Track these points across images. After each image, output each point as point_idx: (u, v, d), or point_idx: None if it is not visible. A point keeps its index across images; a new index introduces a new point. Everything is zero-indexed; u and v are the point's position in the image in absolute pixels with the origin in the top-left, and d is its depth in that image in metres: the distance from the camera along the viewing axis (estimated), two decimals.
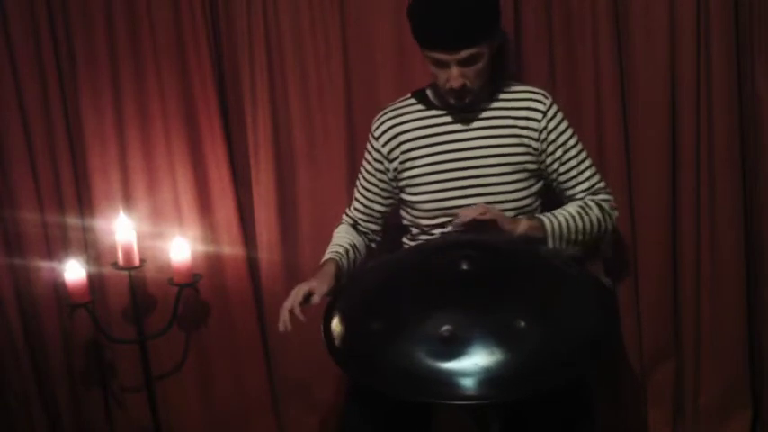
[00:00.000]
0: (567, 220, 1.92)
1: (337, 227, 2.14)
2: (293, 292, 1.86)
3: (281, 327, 1.85)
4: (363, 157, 2.11)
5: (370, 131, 2.07)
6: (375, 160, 2.06)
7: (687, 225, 2.26)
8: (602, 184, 2.03)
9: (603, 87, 2.21)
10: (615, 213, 2.02)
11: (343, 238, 2.07)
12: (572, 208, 1.96)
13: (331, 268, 1.93)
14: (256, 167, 2.38)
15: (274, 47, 2.30)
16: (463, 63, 1.85)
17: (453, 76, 1.86)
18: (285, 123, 2.36)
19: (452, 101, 1.93)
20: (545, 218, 1.92)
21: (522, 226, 1.87)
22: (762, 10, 2.11)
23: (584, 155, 2.02)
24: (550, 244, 1.88)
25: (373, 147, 2.06)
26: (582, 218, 1.94)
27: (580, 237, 1.93)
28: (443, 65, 1.87)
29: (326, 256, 2.00)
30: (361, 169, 2.11)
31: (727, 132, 2.19)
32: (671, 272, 2.32)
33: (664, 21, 2.16)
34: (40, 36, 2.32)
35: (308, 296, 1.84)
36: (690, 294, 2.31)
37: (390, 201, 2.09)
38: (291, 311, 1.83)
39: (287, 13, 2.28)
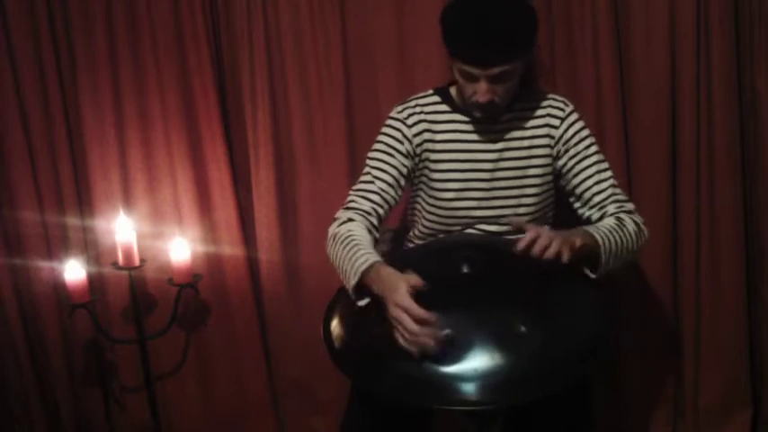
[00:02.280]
0: (611, 232, 1.79)
1: (345, 222, 1.85)
2: (399, 302, 1.54)
3: (428, 346, 1.52)
4: (379, 141, 1.95)
5: (398, 119, 1.93)
6: (407, 151, 1.91)
7: (687, 225, 2.26)
8: (631, 205, 1.92)
9: (603, 87, 2.20)
10: (646, 233, 1.90)
11: (366, 238, 1.79)
12: (609, 222, 1.84)
13: (390, 270, 1.64)
14: (256, 167, 2.38)
15: (274, 47, 2.30)
16: (494, 79, 1.78)
17: (482, 92, 1.79)
18: (285, 123, 2.35)
19: (477, 113, 1.87)
20: (596, 233, 1.76)
21: (578, 243, 1.69)
22: (762, 10, 2.11)
23: (604, 167, 1.92)
24: (603, 259, 1.74)
25: (404, 134, 1.91)
26: (622, 231, 1.81)
27: (622, 252, 1.80)
28: (472, 78, 1.80)
29: (365, 255, 1.70)
30: (380, 155, 1.92)
31: (727, 132, 2.19)
32: (671, 271, 2.32)
33: (664, 21, 2.16)
34: (39, 36, 2.32)
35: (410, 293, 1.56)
36: (690, 294, 2.31)
37: (400, 193, 1.94)
38: (419, 321, 1.52)
39: (287, 13, 2.28)
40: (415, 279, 1.57)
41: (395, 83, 2.28)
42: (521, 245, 1.63)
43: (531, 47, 1.84)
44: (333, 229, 1.85)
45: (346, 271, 1.72)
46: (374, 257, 1.69)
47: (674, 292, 2.34)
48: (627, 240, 1.82)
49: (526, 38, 1.80)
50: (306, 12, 2.27)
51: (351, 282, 1.70)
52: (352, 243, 1.75)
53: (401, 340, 1.54)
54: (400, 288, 1.57)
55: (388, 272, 1.63)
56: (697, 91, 2.18)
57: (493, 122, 1.92)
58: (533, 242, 1.63)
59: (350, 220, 1.85)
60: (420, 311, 1.52)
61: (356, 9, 2.27)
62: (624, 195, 1.95)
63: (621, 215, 1.88)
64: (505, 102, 1.86)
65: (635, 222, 1.88)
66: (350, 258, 1.72)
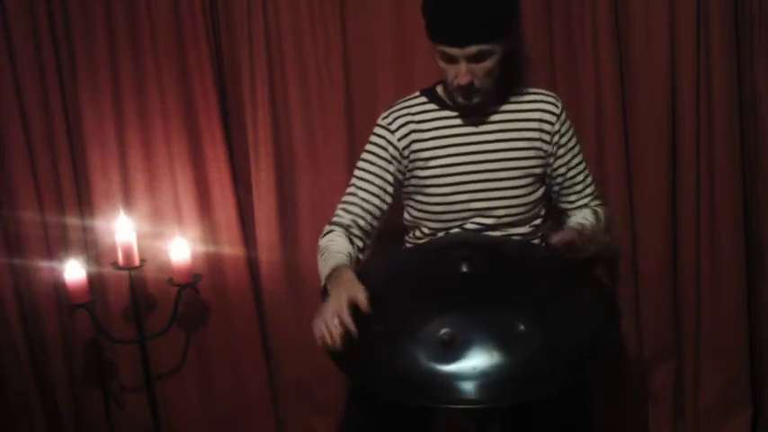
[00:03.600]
0: (593, 227, 1.90)
1: (326, 234, 1.97)
2: (333, 306, 1.64)
3: (330, 342, 1.61)
4: (364, 151, 2.01)
5: (382, 125, 1.99)
6: (391, 156, 1.97)
7: (687, 225, 2.26)
8: (598, 195, 2.10)
9: (603, 87, 2.21)
10: (617, 220, 2.11)
11: (341, 245, 1.90)
12: (589, 216, 1.97)
13: (352, 274, 1.74)
14: (256, 167, 2.38)
15: (274, 47, 2.30)
16: (472, 59, 1.82)
17: (461, 73, 1.83)
18: (285, 123, 2.36)
19: (460, 99, 1.90)
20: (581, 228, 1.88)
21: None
22: (762, 10, 2.11)
23: (584, 162, 2.06)
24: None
25: (388, 140, 1.97)
26: (599, 223, 1.93)
27: (601, 243, 1.91)
28: (452, 60, 1.84)
29: (332, 262, 1.82)
30: (364, 164, 2.00)
31: (727, 132, 2.19)
32: (671, 272, 2.32)
33: (664, 21, 2.16)
34: (39, 36, 2.32)
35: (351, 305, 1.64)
36: (690, 294, 2.31)
37: (390, 200, 2.01)
38: (341, 324, 1.61)
39: (287, 13, 2.28)
40: (362, 297, 1.64)
41: (395, 83, 2.28)
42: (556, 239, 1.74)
43: (509, 29, 1.88)
44: (318, 241, 1.98)
45: (320, 277, 1.85)
46: (339, 262, 1.81)
47: (674, 292, 2.34)
48: (601, 230, 1.94)
49: (503, 18, 1.85)
50: (306, 12, 2.27)
51: (322, 286, 1.82)
52: (326, 253, 1.88)
53: (318, 320, 1.66)
54: (345, 292, 1.66)
55: (349, 276, 1.73)
56: (697, 91, 2.18)
57: (480, 113, 1.95)
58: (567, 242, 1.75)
59: (331, 231, 1.98)
60: (346, 312, 1.61)
61: (356, 9, 2.27)
62: (596, 187, 2.09)
63: (596, 207, 2.04)
64: (486, 85, 1.88)
65: (604, 213, 2.02)
66: (322, 265, 1.86)
